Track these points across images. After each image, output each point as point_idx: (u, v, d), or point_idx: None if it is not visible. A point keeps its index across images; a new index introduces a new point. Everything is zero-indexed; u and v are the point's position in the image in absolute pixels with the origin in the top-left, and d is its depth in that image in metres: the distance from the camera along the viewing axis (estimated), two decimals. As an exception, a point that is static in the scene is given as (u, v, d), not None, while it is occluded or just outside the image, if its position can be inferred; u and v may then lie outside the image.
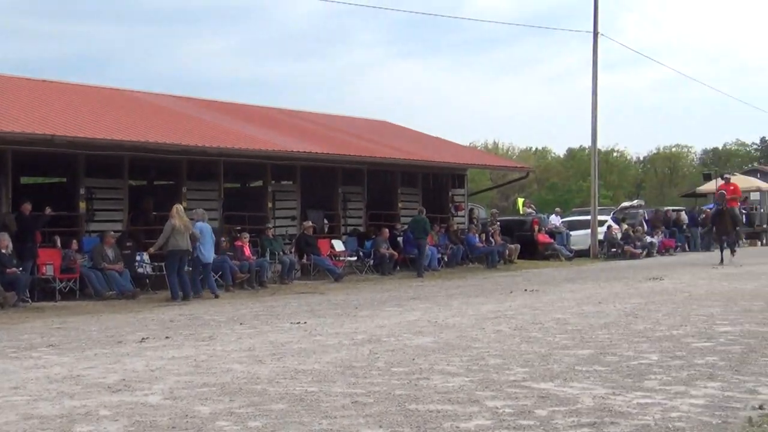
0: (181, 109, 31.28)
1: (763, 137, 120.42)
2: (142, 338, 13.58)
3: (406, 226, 31.47)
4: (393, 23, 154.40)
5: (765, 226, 53.79)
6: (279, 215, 29.30)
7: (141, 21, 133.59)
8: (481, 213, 42.27)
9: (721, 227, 32.25)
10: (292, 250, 27.74)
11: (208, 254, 22.64)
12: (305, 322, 15.24)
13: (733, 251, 32.35)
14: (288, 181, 30.72)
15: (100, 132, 24.39)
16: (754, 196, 56.20)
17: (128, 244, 23.91)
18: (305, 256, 27.44)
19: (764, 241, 52.30)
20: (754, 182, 58.27)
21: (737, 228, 32.92)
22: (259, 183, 31.03)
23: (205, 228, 22.68)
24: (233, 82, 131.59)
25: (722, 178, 34.55)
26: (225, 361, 10.92)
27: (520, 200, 48.15)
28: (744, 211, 54.22)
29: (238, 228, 26.86)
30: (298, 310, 18.02)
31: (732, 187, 32.68)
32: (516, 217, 42.41)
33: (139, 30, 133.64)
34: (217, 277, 23.79)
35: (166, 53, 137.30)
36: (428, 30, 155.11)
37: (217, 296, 21.89)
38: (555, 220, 41.05)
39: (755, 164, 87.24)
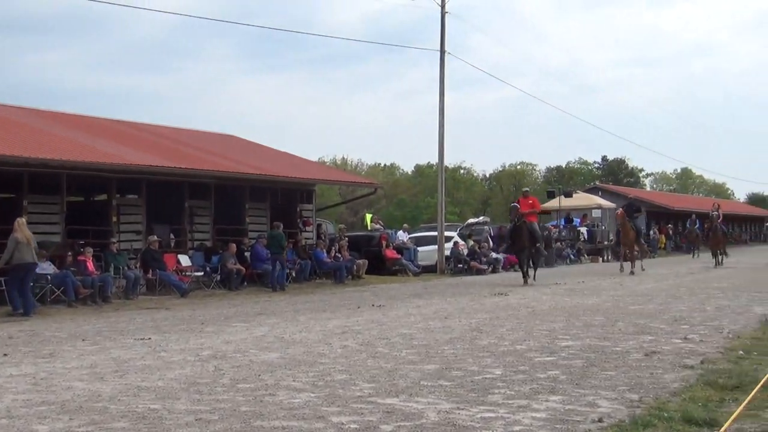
0: (23, 120, 30.46)
1: (605, 156, 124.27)
2: (-21, 356, 13.17)
3: (254, 241, 31.28)
4: (244, 38, 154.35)
5: (606, 243, 55.16)
6: (124, 229, 28.74)
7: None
8: (329, 228, 42.30)
9: (518, 243, 30.30)
10: (137, 264, 27.29)
11: None
12: (150, 338, 14.99)
13: (533, 270, 30.33)
14: (133, 195, 30.20)
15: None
16: (596, 214, 57.79)
17: (-35, 258, 23.17)
18: (150, 271, 27.00)
19: (606, 258, 53.63)
20: (595, 200, 59.96)
21: (537, 244, 30.28)
22: (104, 197, 30.46)
23: None
24: (79, 94, 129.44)
25: (522, 193, 32.54)
26: (66, 379, 10.65)
27: (368, 216, 48.35)
28: (586, 228, 55.80)
29: (82, 242, 26.32)
30: (142, 326, 17.71)
31: (530, 201, 30.89)
32: (364, 233, 42.53)
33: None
34: (59, 292, 23.30)
35: (8, 63, 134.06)
36: (279, 46, 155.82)
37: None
38: (402, 236, 41.32)
39: (597, 182, 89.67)
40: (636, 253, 35.91)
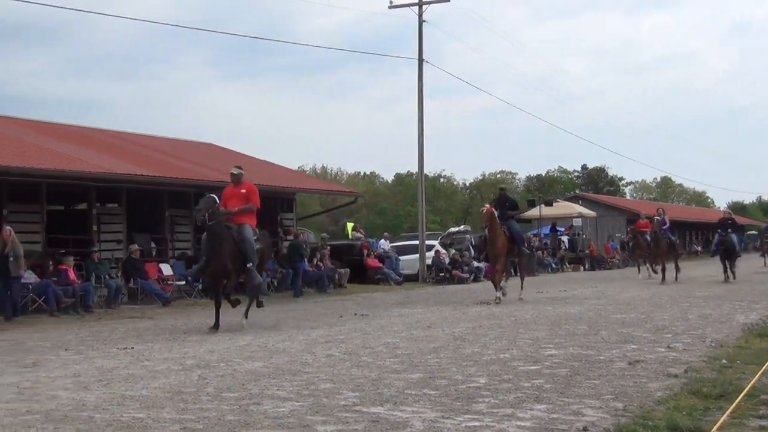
0: (1, 129, 30.31)
1: (585, 164, 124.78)
2: (-39, 365, 13.08)
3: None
4: (218, 45, 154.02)
5: (587, 251, 55.23)
6: (104, 238, 28.70)
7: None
8: (311, 237, 42.28)
9: (213, 263, 18.38)
10: (119, 274, 27.20)
11: None
12: (133, 348, 14.94)
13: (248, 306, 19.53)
14: (113, 204, 30.12)
15: None
16: (577, 222, 57.91)
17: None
18: (132, 280, 26.92)
19: (587, 266, 53.73)
20: (576, 208, 60.04)
21: (249, 265, 18.49)
22: (84, 206, 30.36)
23: None
24: (54, 102, 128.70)
25: (231, 177, 20.23)
26: (50, 388, 10.61)
27: (350, 225, 48.32)
28: (567, 237, 55.94)
29: (62, 251, 26.21)
30: (125, 335, 17.65)
31: (243, 190, 19.39)
32: (345, 242, 42.51)
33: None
34: (40, 301, 23.19)
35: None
36: (255, 53, 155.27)
37: None
38: (384, 244, 41.31)
39: (577, 191, 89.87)
40: (507, 270, 26.52)
